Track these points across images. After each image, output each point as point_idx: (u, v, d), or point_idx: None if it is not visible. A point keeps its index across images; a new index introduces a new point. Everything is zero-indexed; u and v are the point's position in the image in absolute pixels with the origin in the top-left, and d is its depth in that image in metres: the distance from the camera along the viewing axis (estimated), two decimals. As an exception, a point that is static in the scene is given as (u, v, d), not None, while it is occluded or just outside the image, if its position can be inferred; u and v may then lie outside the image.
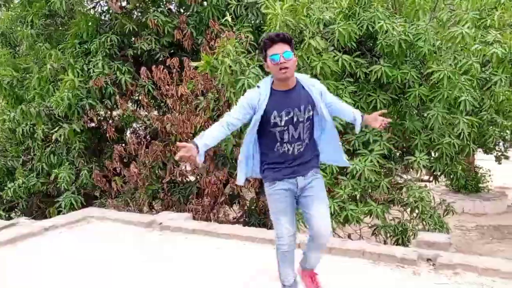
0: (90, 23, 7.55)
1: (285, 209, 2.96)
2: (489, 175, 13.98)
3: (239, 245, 4.51)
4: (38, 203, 8.26)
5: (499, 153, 13.84)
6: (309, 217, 2.95)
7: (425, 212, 5.78)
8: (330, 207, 5.32)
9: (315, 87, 2.94)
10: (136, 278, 3.82)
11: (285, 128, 2.84)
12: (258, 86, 2.87)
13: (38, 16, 7.83)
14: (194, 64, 5.95)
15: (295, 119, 2.84)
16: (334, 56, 5.45)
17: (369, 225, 6.16)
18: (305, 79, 2.95)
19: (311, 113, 2.90)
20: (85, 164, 7.42)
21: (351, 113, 3.18)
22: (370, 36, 5.83)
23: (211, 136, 2.76)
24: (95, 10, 8.27)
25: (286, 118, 2.82)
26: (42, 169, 7.63)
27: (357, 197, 5.58)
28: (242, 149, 3.00)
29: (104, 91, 7.22)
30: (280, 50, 2.71)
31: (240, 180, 3.07)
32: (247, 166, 3.02)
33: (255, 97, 2.81)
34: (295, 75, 2.88)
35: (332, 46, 5.55)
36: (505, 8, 5.90)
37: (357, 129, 3.23)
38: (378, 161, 5.48)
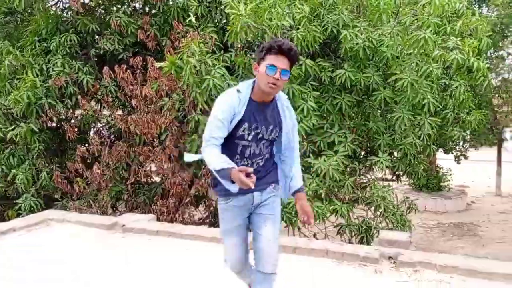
0: (50, 21, 7.32)
1: (237, 228, 2.70)
2: (450, 174, 14.44)
3: (203, 246, 4.48)
4: (-4, 206, 7.96)
5: (459, 153, 14.33)
6: (257, 237, 2.67)
7: (388, 210, 5.91)
8: (294, 204, 5.36)
9: (289, 110, 2.69)
10: (96, 282, 3.73)
11: (249, 144, 2.59)
12: (238, 91, 2.55)
13: (-3, 14, 7.56)
14: (158, 65, 5.87)
15: (259, 136, 2.59)
16: (298, 61, 5.48)
17: (334, 224, 6.24)
18: (283, 98, 2.69)
19: (276, 135, 2.65)
20: (46, 165, 7.19)
21: (291, 168, 2.76)
22: (334, 38, 5.91)
23: (223, 156, 2.44)
24: (57, 6, 8.04)
25: (253, 133, 2.57)
26: (2, 171, 7.34)
27: (322, 195, 5.65)
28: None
29: (64, 91, 7.03)
30: (281, 65, 2.43)
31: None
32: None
33: (236, 103, 2.50)
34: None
35: None
36: (465, 16, 6.09)
37: (284, 195, 2.81)
38: (342, 162, 5.56)
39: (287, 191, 2.81)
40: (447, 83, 6.35)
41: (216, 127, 2.49)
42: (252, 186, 2.23)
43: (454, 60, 5.47)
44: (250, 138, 2.57)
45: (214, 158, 2.42)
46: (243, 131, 2.55)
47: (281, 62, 2.43)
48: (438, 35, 5.76)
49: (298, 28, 5.44)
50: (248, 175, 2.27)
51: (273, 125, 2.62)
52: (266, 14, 5.33)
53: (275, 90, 2.50)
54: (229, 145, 2.56)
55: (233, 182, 2.33)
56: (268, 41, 2.53)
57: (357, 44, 5.45)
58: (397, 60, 5.72)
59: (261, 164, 2.67)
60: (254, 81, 2.58)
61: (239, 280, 2.97)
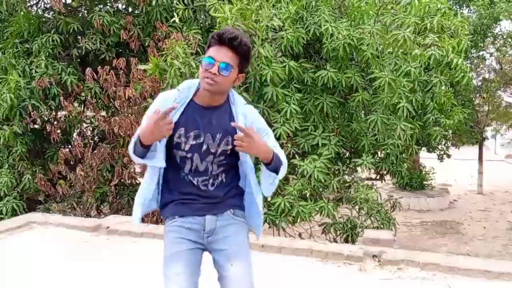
0: (31, 21, 7.23)
1: (183, 254, 2.07)
2: (433, 173, 14.63)
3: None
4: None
5: (442, 152, 14.56)
6: (223, 279, 2.10)
7: (373, 208, 5.98)
8: (279, 204, 5.39)
9: (246, 118, 2.11)
10: (80, 286, 3.70)
11: (188, 155, 2.07)
12: (178, 89, 2.12)
13: (-25, 13, 7.44)
14: (142, 67, 5.84)
15: (204, 147, 2.07)
16: (282, 62, 5.51)
17: (319, 223, 6.28)
18: (239, 103, 2.14)
19: (229, 147, 2.09)
20: (28, 167, 7.10)
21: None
22: (317, 39, 5.94)
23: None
24: (38, 6, 7.95)
25: (193, 142, 2.06)
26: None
27: (307, 195, 5.68)
28: (141, 187, 2.19)
29: (48, 92, 6.95)
30: (220, 57, 1.96)
31: (135, 220, 2.21)
32: (142, 206, 2.19)
33: (171, 100, 2.06)
34: (231, 94, 2.13)
35: (280, 52, 5.60)
36: (446, 15, 6.18)
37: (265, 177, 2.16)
38: (326, 165, 5.61)
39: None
40: (428, 80, 6.43)
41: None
42: (162, 109, 1.82)
43: (432, 56, 5.52)
44: (187, 148, 2.07)
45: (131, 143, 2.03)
46: (179, 138, 2.06)
47: (222, 54, 1.97)
48: (418, 34, 5.83)
49: (285, 29, 5.45)
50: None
51: (222, 133, 2.07)
52: (253, 16, 5.34)
53: (213, 88, 1.99)
54: (170, 158, 2.11)
55: (147, 148, 1.96)
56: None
57: (337, 41, 5.47)
58: (377, 59, 5.77)
59: (210, 188, 2.12)
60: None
61: None
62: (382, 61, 5.69)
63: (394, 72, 5.54)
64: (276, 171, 2.08)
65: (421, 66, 5.85)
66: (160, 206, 2.21)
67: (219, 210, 2.13)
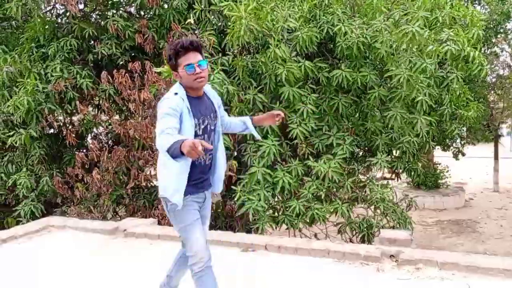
0: (47, 27, 7.32)
1: (198, 221, 2.75)
2: (447, 171, 14.48)
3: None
4: (-6, 213, 7.93)
5: (456, 150, 14.41)
6: None
7: (388, 207, 5.94)
8: (295, 207, 5.41)
9: (215, 98, 2.89)
10: None
11: (202, 137, 2.70)
12: (175, 93, 2.63)
13: (-8, 19, 7.56)
14: (157, 70, 5.88)
15: (209, 128, 2.77)
16: (298, 62, 5.50)
17: (335, 223, 6.26)
18: (208, 88, 2.87)
19: (216, 121, 2.84)
20: (46, 170, 7.19)
21: (240, 122, 3.13)
22: (330, 38, 5.93)
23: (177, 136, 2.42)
24: (52, 13, 8.04)
25: (203, 126, 2.72)
26: (1, 179, 7.33)
27: (322, 196, 5.68)
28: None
29: (64, 96, 7.03)
30: (194, 59, 2.60)
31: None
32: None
33: (180, 103, 2.58)
34: None
35: (294, 51, 5.60)
36: (455, 6, 6.12)
37: (254, 133, 3.13)
38: (341, 165, 5.59)
39: (251, 128, 3.11)
40: (444, 76, 6.37)
41: (168, 120, 2.45)
42: (201, 153, 2.10)
43: (448, 51, 5.46)
44: (200, 132, 2.70)
45: (167, 140, 2.27)
46: (195, 127, 2.64)
47: (193, 57, 2.60)
48: (430, 29, 5.76)
49: (300, 29, 5.45)
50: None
51: (213, 113, 2.81)
52: (269, 16, 5.34)
53: (205, 81, 2.68)
54: None
55: (182, 154, 2.17)
56: (169, 48, 2.66)
57: (351, 40, 5.45)
58: (392, 57, 5.73)
59: (211, 160, 2.84)
60: (180, 84, 2.69)
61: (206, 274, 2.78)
62: (398, 59, 5.65)
63: (410, 69, 5.49)
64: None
65: (437, 62, 5.80)
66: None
67: (209, 187, 2.90)
